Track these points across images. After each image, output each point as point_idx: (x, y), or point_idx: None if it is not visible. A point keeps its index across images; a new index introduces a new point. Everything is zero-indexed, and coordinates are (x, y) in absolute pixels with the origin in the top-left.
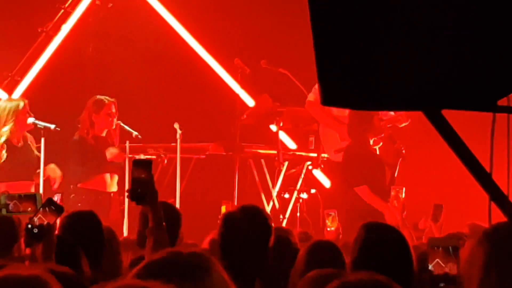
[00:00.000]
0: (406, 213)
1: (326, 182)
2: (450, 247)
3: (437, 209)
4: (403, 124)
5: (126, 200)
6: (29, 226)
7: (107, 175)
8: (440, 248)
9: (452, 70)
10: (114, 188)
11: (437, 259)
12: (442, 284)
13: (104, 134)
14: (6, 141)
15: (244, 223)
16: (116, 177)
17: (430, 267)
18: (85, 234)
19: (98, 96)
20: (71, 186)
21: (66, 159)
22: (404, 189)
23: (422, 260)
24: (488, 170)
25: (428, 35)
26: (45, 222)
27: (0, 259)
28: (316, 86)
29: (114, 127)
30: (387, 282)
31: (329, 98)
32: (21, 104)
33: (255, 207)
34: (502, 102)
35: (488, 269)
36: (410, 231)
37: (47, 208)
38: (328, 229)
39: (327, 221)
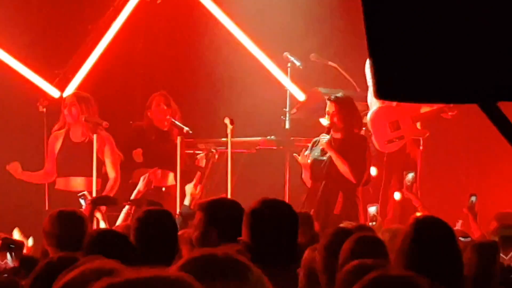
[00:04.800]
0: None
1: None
2: None
3: (472, 202)
4: (450, 114)
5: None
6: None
7: (159, 171)
8: None
9: (510, 60)
10: (168, 183)
11: None
12: None
13: (165, 128)
14: (65, 135)
15: (271, 219)
16: (171, 174)
17: (506, 258)
18: (161, 231)
19: None
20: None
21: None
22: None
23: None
24: None
25: (485, 24)
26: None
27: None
28: None
29: (168, 116)
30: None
31: (383, 92)
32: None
33: (278, 201)
34: None
35: None
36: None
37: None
38: (370, 223)
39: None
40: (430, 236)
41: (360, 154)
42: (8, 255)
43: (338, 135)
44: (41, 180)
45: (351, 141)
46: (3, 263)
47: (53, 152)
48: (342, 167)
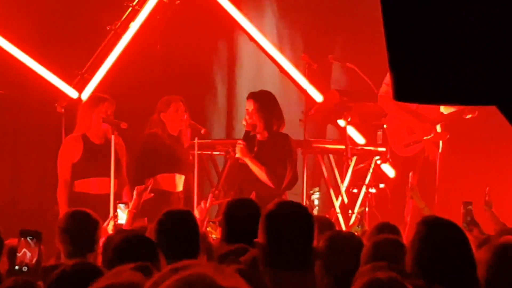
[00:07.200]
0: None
1: (392, 176)
2: None
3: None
4: (469, 116)
5: (195, 199)
6: (17, 267)
7: (177, 175)
8: None
9: None
10: (181, 187)
11: None
12: None
13: (176, 134)
14: (84, 138)
15: (287, 221)
16: (183, 177)
17: None
18: (183, 232)
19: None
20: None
21: (136, 154)
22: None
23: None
24: None
25: (502, 25)
26: (32, 260)
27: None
28: (386, 78)
29: (183, 124)
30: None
31: (402, 93)
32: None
33: (294, 203)
34: None
35: None
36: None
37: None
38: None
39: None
40: (442, 239)
41: (281, 156)
42: (29, 239)
43: (261, 137)
44: (66, 192)
45: (273, 143)
46: (20, 254)
47: (71, 158)
48: (260, 173)
